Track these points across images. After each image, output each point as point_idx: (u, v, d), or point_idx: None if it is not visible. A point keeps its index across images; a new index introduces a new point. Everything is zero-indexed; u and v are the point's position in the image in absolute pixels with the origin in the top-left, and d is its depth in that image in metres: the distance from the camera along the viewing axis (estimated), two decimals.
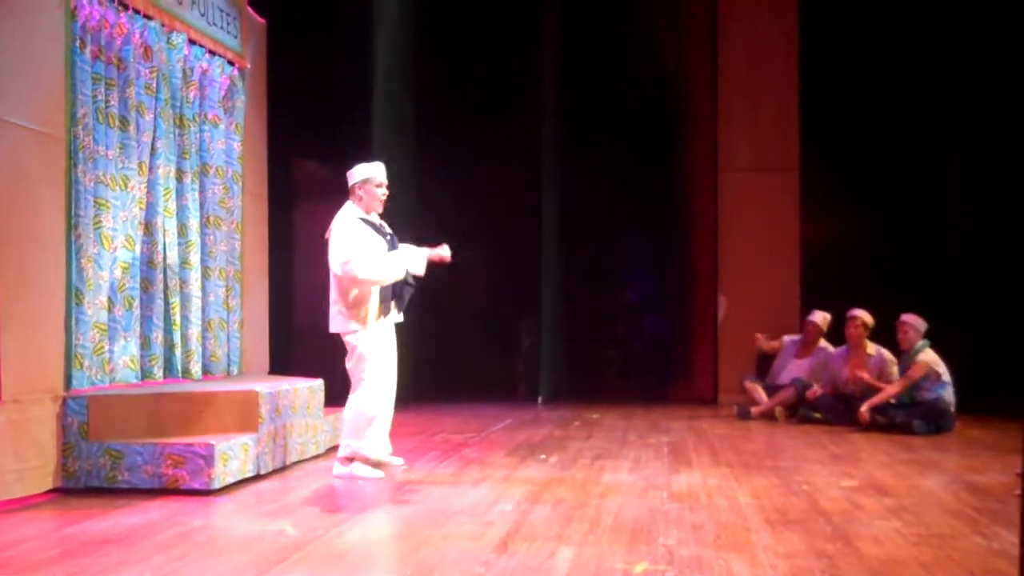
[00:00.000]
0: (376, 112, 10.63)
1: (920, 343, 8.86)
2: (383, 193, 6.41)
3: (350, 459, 6.32)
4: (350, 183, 6.40)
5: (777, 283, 11.44)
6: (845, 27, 11.91)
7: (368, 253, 6.14)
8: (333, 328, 6.32)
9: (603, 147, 13.68)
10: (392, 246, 6.34)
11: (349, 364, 6.31)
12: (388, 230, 6.43)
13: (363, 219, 6.31)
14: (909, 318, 8.98)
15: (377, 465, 6.34)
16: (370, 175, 6.37)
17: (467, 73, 13.08)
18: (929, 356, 8.79)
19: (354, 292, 6.18)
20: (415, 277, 6.41)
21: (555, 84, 12.37)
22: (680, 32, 12.54)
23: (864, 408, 8.80)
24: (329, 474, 6.42)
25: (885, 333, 9.31)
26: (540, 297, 12.10)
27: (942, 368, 8.76)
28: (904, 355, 9.01)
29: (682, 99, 12.55)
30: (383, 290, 6.25)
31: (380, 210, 6.45)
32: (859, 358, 9.34)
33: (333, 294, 6.29)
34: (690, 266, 12.31)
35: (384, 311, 6.27)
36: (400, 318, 6.49)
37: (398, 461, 6.59)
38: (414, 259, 6.36)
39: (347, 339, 6.29)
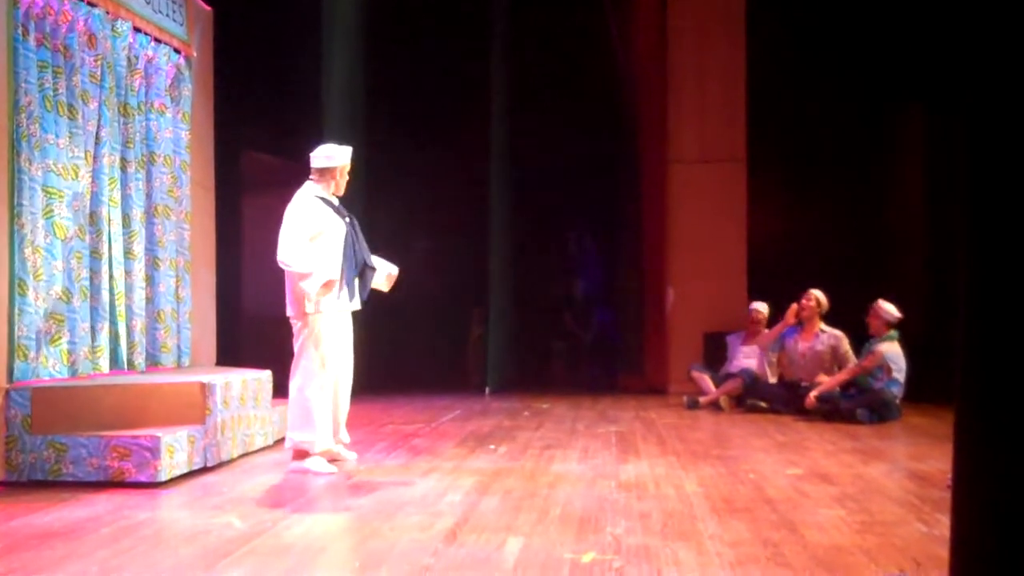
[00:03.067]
0: (326, 102, 10.56)
1: (889, 333, 8.83)
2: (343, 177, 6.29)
3: (303, 453, 6.19)
4: (312, 164, 6.24)
5: (725, 274, 11.55)
6: (792, 18, 12.03)
7: (299, 240, 5.98)
8: (287, 312, 6.22)
9: (553, 139, 13.74)
10: (352, 229, 6.21)
11: (295, 347, 6.22)
12: (347, 214, 6.29)
13: (322, 198, 6.19)
14: (882, 305, 8.91)
15: (332, 460, 6.29)
16: (334, 159, 6.22)
17: (418, 63, 13.07)
18: (889, 348, 8.77)
19: (306, 274, 6.02)
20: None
21: (505, 76, 12.38)
22: (630, 26, 12.60)
23: (813, 394, 8.91)
24: (276, 467, 6.38)
25: (837, 324, 9.43)
26: (489, 288, 12.11)
27: (896, 364, 8.75)
28: (870, 340, 8.98)
29: (632, 92, 12.63)
30: (341, 274, 6.11)
31: (340, 193, 6.33)
32: (810, 332, 9.47)
33: (287, 278, 6.16)
34: (639, 257, 12.39)
35: (338, 296, 6.09)
36: (357, 306, 6.35)
37: (351, 455, 6.56)
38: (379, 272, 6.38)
39: (294, 322, 6.19)
